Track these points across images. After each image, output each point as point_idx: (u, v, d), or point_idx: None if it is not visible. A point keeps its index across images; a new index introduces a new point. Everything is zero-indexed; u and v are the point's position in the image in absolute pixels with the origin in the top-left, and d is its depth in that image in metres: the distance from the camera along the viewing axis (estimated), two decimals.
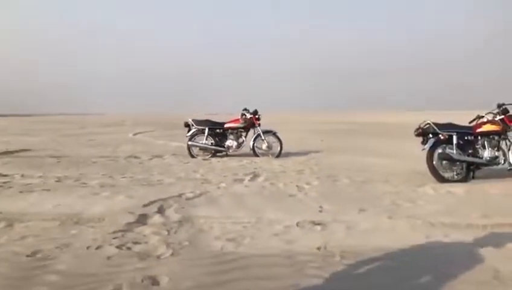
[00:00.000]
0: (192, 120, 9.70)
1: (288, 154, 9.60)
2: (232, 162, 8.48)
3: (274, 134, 9.61)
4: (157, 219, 4.11)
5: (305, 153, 10.04)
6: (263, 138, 9.48)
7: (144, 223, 3.93)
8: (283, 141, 9.56)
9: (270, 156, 9.29)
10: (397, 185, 5.90)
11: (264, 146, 9.44)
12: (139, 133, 19.95)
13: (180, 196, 5.18)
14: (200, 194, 5.26)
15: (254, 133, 9.60)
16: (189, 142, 9.49)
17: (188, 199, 5.04)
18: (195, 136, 9.53)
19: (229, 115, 13.94)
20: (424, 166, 6.28)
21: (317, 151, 10.55)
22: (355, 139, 15.06)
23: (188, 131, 9.65)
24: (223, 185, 5.95)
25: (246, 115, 9.66)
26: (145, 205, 4.63)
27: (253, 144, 9.43)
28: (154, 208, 4.54)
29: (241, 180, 6.33)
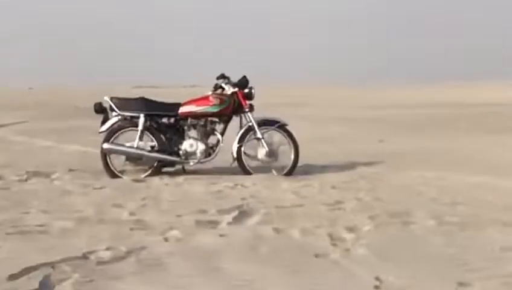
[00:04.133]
0: (112, 99, 5.85)
1: (310, 169, 6.32)
2: (195, 186, 5.37)
3: (281, 127, 6.26)
4: None
5: (347, 167, 6.50)
6: (259, 135, 6.13)
7: None
8: (299, 142, 6.26)
9: (274, 171, 6.05)
10: None
11: (262, 152, 6.29)
12: (1, 126, 12.31)
13: (85, 257, 3.11)
14: (128, 254, 3.13)
15: (241, 126, 6.25)
16: (106, 145, 5.86)
17: (101, 262, 3.14)
18: (119, 133, 5.88)
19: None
20: None
21: (370, 163, 6.86)
22: (440, 137, 10.10)
23: (104, 122, 5.76)
24: (175, 233, 3.49)
25: (224, 89, 5.85)
26: (11, 278, 2.82)
27: (240, 147, 6.24)
28: (32, 282, 2.79)
29: (214, 223, 3.74)
